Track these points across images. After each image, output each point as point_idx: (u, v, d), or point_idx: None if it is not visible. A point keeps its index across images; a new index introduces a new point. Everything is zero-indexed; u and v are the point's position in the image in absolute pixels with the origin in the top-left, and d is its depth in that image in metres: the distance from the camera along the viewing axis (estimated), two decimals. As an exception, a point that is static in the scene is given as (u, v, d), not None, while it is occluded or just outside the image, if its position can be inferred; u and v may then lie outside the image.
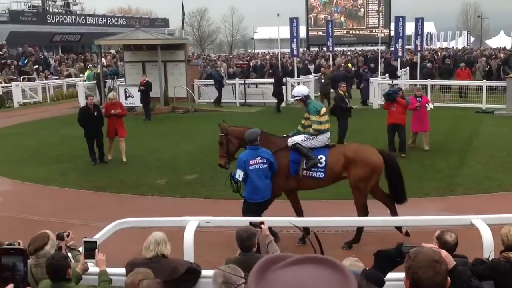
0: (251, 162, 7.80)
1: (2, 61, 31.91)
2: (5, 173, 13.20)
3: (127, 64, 25.52)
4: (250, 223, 5.33)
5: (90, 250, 4.70)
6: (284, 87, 22.95)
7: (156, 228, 5.38)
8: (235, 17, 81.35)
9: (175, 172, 12.84)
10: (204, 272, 4.74)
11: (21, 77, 30.28)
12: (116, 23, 47.92)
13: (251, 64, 34.67)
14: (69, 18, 44.03)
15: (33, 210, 10.27)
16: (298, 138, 8.36)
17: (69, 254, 4.80)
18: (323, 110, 8.56)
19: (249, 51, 74.13)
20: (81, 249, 4.92)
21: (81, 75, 32.74)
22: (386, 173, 8.35)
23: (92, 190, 11.73)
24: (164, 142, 16.29)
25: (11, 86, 27.18)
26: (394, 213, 8.28)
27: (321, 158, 8.19)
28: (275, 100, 22.88)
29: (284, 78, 23.53)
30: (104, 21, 47.51)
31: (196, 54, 50.99)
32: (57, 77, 32.01)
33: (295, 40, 26.63)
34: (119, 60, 35.82)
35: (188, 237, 5.22)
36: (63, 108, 24.88)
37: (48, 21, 41.72)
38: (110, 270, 4.84)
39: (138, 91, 21.05)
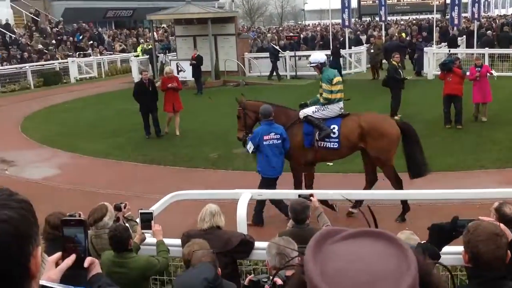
0: (265, 137, 7.90)
1: (59, 38, 32.74)
2: (64, 146, 13.68)
3: (179, 39, 25.72)
4: (300, 195, 5.33)
5: (146, 221, 4.82)
6: (341, 58, 22.79)
7: (210, 201, 5.49)
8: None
9: (227, 145, 12.95)
10: (257, 244, 4.81)
11: (77, 53, 31.05)
12: (167, -3, 48.18)
13: (302, 36, 34.26)
14: (122, -7, 44.58)
15: (90, 182, 10.63)
16: (309, 110, 8.29)
17: (127, 224, 4.96)
18: (337, 79, 8.36)
19: (299, 22, 73.21)
20: (137, 220, 5.07)
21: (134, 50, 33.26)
22: (404, 144, 8.10)
23: (146, 163, 12.01)
24: (215, 116, 16.44)
25: (67, 62, 27.94)
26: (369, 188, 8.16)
27: (334, 128, 8.13)
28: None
29: (340, 50, 23.36)
30: (156, -5, 47.83)
31: (246, 27, 50.80)
32: (111, 53, 32.64)
33: (346, 10, 26.11)
34: (171, 34, 36.14)
35: (242, 209, 5.29)
36: (117, 83, 25.39)
37: (102, -3, 42.41)
38: (165, 241, 4.98)
39: (190, 65, 21.22)
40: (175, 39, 26.99)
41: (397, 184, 7.97)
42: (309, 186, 8.40)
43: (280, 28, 51.89)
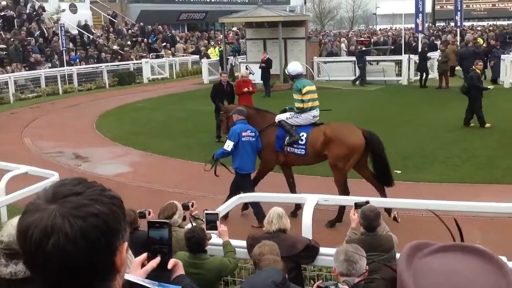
0: (244, 133, 8.40)
1: (134, 39, 33.82)
2: (136, 145, 14.09)
3: (249, 41, 25.98)
4: (356, 203, 5.15)
5: (212, 222, 4.87)
6: (428, 62, 22.46)
7: (275, 204, 5.50)
8: (357, -8, 79.38)
9: (293, 149, 12.92)
10: (322, 250, 4.78)
11: (150, 54, 31.98)
12: (239, 1, 48.75)
13: (372, 40, 33.78)
14: (195, -4, 45.54)
15: (159, 180, 10.89)
16: (284, 116, 8.75)
17: (193, 223, 5.05)
18: (306, 89, 8.67)
19: (370, 27, 72.16)
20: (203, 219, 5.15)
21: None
22: (370, 154, 8.26)
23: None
24: (283, 119, 16.46)
25: (141, 62, 28.84)
26: (382, 194, 8.09)
27: (303, 135, 8.49)
28: (397, 78, 22.19)
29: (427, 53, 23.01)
30: (228, -2, 48.55)
31: (316, 30, 50.61)
32: (183, 54, 33.39)
33: (420, 15, 25.52)
34: (241, 37, 36.54)
35: (307, 213, 5.27)
36: (187, 84, 25.95)
37: (176, 0, 43.43)
38: (232, 242, 5.04)
39: (259, 68, 21.39)
40: (245, 42, 27.27)
41: (344, 194, 8.06)
42: (291, 184, 8.87)
43: (351, 33, 51.36)
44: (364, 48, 25.41)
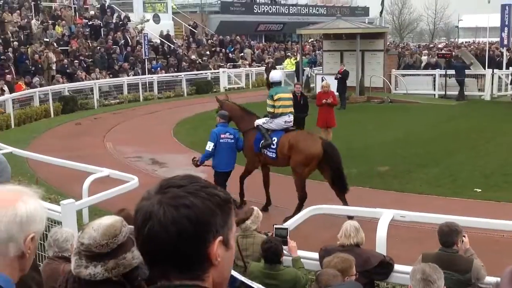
0: (222, 136, 9.22)
1: (212, 49, 34.56)
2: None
3: (326, 53, 25.90)
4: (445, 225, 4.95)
5: (281, 237, 4.78)
6: None
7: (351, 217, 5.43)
8: (439, 4, 77.37)
9: (367, 162, 12.73)
10: (396, 267, 4.67)
11: (228, 64, 32.55)
12: (318, 12, 48.80)
13: (454, 54, 32.71)
14: (274, 8, 45.92)
15: (235, 188, 10.99)
16: (261, 121, 9.44)
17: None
18: (278, 96, 9.32)
19: (451, 40, 70.06)
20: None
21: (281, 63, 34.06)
22: (326, 163, 8.84)
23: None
24: (357, 132, 16.25)
25: (218, 72, 29.40)
26: (343, 202, 8.70)
27: (274, 140, 9.18)
28: (479, 93, 21.36)
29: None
30: (306, 10, 48.64)
31: (393, 42, 49.70)
32: (259, 65, 33.74)
33: (506, 28, 24.52)
34: (317, 48, 36.48)
35: (382, 229, 5.17)
36: (262, 94, 26.03)
37: (255, 11, 44.02)
38: (302, 253, 5.02)
39: (335, 78, 21.18)
40: (322, 53, 27.19)
41: (301, 198, 8.82)
42: (265, 182, 9.67)
43: (431, 45, 50.07)
44: (463, 60, 24.59)
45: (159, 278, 1.35)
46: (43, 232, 1.87)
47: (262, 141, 9.25)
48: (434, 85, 24.05)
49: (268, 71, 25.12)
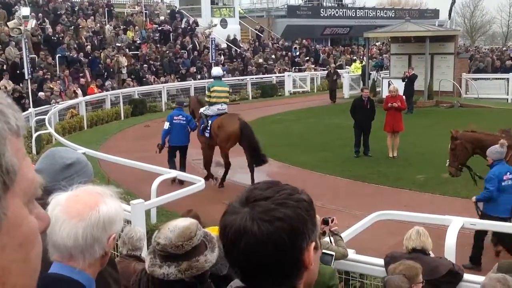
0: (175, 118, 11.68)
1: (278, 52, 34.68)
2: (275, 156, 14.36)
3: (393, 57, 25.45)
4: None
5: (326, 262, 4.53)
6: None
7: (416, 223, 5.32)
8: (513, 6, 74.21)
9: (435, 168, 12.39)
10: (466, 276, 4.53)
11: (293, 68, 32.55)
12: (385, 15, 48.01)
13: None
14: (341, 11, 45.56)
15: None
16: (203, 108, 11.68)
17: (332, 238, 5.04)
18: (214, 88, 11.55)
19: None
20: (342, 235, 5.12)
21: (347, 67, 33.77)
22: (243, 140, 11.12)
23: (351, 179, 12.07)
24: (425, 137, 15.86)
25: (283, 76, 29.47)
26: (252, 173, 11.25)
27: (209, 122, 11.38)
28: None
29: None
30: (373, 13, 47.98)
31: (464, 45, 48.15)
32: (324, 69, 33.53)
33: None
34: (384, 52, 35.88)
35: (451, 236, 5.03)
36: (327, 98, 25.97)
37: (321, 14, 43.81)
38: (368, 259, 4.96)
39: (402, 81, 20.76)
40: (389, 57, 26.73)
41: (227, 166, 11.43)
42: (226, 163, 11.51)
43: (504, 48, 48.16)
44: None
45: None
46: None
47: (202, 124, 11.51)
48: (508, 89, 23.13)
49: (330, 77, 24.95)
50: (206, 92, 11.86)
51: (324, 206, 9.56)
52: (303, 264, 1.35)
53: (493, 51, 40.87)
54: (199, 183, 7.35)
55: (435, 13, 53.95)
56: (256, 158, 11.10)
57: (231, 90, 14.05)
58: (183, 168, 11.72)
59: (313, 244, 1.37)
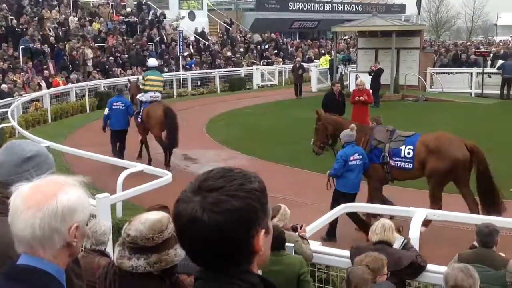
0: (114, 104, 12.72)
1: (246, 46, 34.62)
2: (243, 149, 14.41)
3: (360, 51, 25.67)
4: (482, 225, 4.93)
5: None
6: None
7: (382, 216, 5.39)
8: (477, 2, 75.73)
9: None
10: (430, 266, 4.60)
11: (261, 61, 32.55)
12: (353, 10, 48.33)
13: (492, 52, 32.00)
14: (309, 5, 45.64)
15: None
16: (139, 95, 12.74)
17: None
18: (148, 77, 12.73)
19: (489, 38, 68.55)
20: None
21: (316, 60, 33.93)
22: (166, 124, 12.11)
23: (318, 172, 12.12)
24: (392, 130, 16.06)
25: (252, 69, 29.45)
26: (165, 154, 12.40)
27: (141, 109, 12.49)
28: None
29: None
30: (341, 7, 48.23)
31: (429, 40, 48.87)
32: (292, 62, 33.64)
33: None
34: (352, 46, 36.19)
35: (415, 228, 5.11)
36: (293, 92, 26.01)
37: (290, 8, 43.83)
38: (334, 251, 5.00)
39: (369, 75, 20.96)
40: (356, 51, 26.96)
41: (167, 148, 12.27)
42: (145, 145, 12.82)
43: (468, 43, 49.11)
44: None
45: (207, 273, 1.42)
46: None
47: (137, 110, 12.61)
48: (471, 83, 23.59)
49: (295, 71, 25.02)
50: (141, 80, 13.08)
51: (291, 199, 9.61)
52: (253, 250, 1.39)
53: (458, 46, 41.55)
54: (166, 176, 7.29)
55: (401, 8, 54.63)
56: (171, 140, 12.06)
57: (163, 79, 14.71)
58: (122, 150, 12.85)
59: (263, 230, 1.40)
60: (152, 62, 13.95)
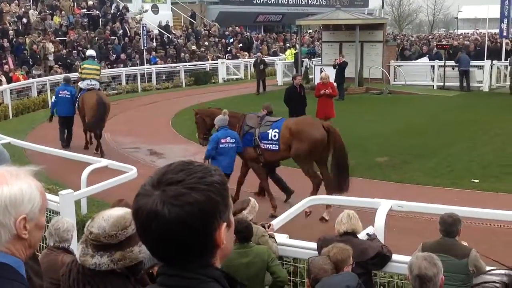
0: (61, 92, 13.64)
1: (211, 39, 34.44)
2: (209, 143, 14.32)
3: (325, 44, 25.83)
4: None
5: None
6: None
7: (347, 207, 5.45)
8: (439, -5, 77.06)
9: (365, 153, 12.75)
10: (394, 257, 4.68)
11: (226, 55, 32.43)
12: (316, 3, 48.54)
13: (453, 45, 32.63)
14: (273, -2, 45.71)
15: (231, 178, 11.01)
16: (80, 82, 13.69)
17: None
18: (84, 66, 13.85)
19: (450, 31, 69.91)
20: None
21: (281, 54, 33.99)
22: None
23: (285, 166, 12.17)
24: (356, 123, 16.23)
25: (217, 63, 29.33)
26: (98, 146, 13.00)
27: (79, 95, 13.41)
28: (479, 85, 21.27)
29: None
30: (305, 1, 48.36)
31: (392, 34, 49.55)
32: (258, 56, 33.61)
33: (505, 19, 24.46)
34: (316, 40, 36.38)
35: (380, 219, 5.18)
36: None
37: (254, 1, 43.74)
38: (301, 243, 5.03)
39: (334, 68, 21.09)
40: (321, 44, 27.11)
41: (89, 127, 13.27)
42: (95, 136, 13.13)
43: (430, 37, 49.95)
44: None
45: (169, 268, 1.40)
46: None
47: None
48: (433, 76, 24.01)
49: (256, 66, 24.98)
50: (78, 69, 14.44)
51: (252, 191, 9.61)
52: (215, 244, 1.39)
53: (421, 39, 42.28)
54: (131, 171, 7.21)
55: (364, 2, 55.10)
56: (93, 121, 12.77)
57: (100, 68, 15.37)
58: (69, 138, 13.63)
59: (225, 224, 1.39)
60: (90, 52, 15.40)
